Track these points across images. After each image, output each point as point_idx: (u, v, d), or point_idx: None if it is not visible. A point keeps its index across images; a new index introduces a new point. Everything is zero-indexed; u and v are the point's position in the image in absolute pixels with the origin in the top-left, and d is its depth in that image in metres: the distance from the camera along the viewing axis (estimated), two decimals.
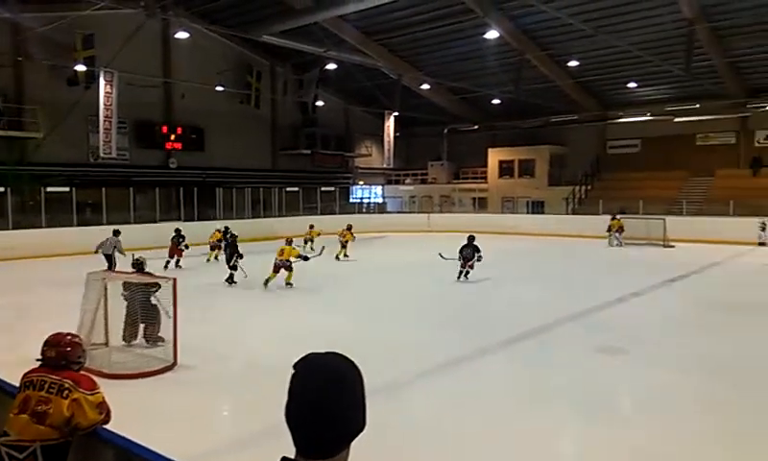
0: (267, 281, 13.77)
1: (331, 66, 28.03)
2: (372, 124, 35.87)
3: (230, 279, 14.33)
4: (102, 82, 21.87)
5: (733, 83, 26.84)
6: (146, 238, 20.49)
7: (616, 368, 7.92)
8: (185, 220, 24.56)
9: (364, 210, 36.49)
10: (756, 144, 28.82)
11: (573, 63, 26.98)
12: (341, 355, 1.30)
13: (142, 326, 8.41)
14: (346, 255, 19.72)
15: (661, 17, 20.60)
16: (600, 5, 21.56)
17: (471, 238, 15.78)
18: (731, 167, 28.92)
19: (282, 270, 13.74)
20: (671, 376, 7.36)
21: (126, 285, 8.36)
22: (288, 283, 13.95)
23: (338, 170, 36.61)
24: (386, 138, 32.96)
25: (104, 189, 23.23)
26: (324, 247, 16.22)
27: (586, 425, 6.01)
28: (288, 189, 30.16)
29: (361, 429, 1.27)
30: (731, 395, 6.73)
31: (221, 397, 7.00)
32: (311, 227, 22.01)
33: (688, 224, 23.86)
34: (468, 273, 15.16)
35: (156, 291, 8.14)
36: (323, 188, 32.05)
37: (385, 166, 35.31)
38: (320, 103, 33.52)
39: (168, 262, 17.08)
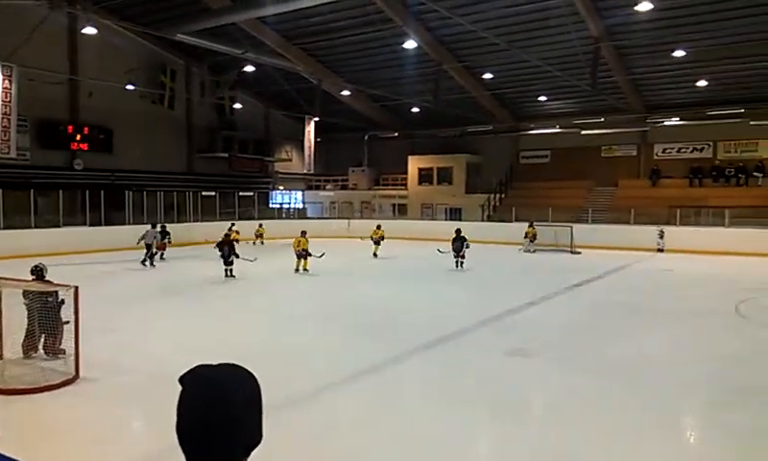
0: (297, 269, 17.29)
1: (250, 68, 27.53)
2: (293, 128, 35.50)
3: (230, 273, 16.10)
4: None
5: (635, 99, 28.64)
6: (48, 244, 19.34)
7: (526, 370, 8.22)
8: (91, 224, 23.37)
9: (284, 216, 36.07)
10: (655, 157, 30.87)
11: (488, 76, 27.92)
12: (233, 366, 1.24)
13: (43, 336, 7.89)
14: (375, 255, 21.95)
15: (569, 35, 21.62)
16: (513, 20, 22.40)
17: (459, 231, 18.55)
18: (632, 178, 30.85)
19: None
20: (577, 377, 7.72)
21: (25, 294, 7.84)
22: (305, 269, 17.23)
23: (257, 175, 35.97)
24: (306, 143, 32.70)
25: (1, 191, 21.69)
26: (324, 253, 18.23)
27: (497, 426, 6.20)
28: (204, 194, 29.30)
29: (256, 443, 1.20)
30: (631, 393, 7.14)
31: (123, 411, 6.60)
32: (260, 225, 25.06)
33: (594, 231, 25.19)
34: (462, 263, 17.92)
35: (55, 299, 7.70)
36: (241, 193, 31.39)
37: (305, 172, 35.02)
38: (237, 105, 32.87)
39: (154, 255, 19.31)
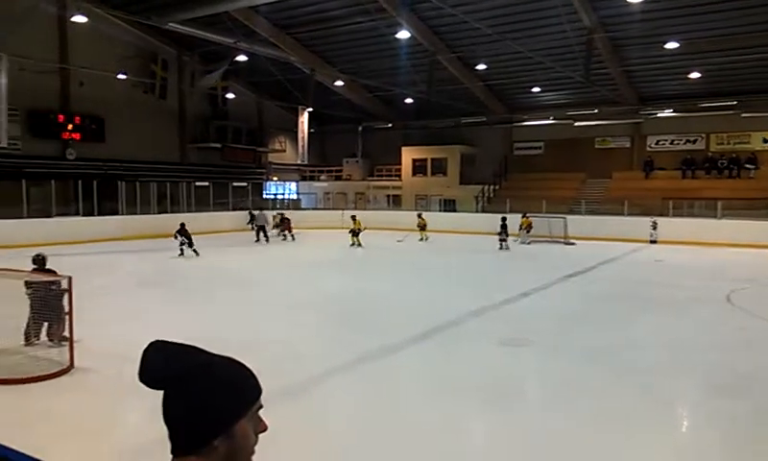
0: (352, 244, 22.07)
1: (242, 58, 27.36)
2: (286, 119, 35.39)
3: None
4: None
5: (628, 90, 28.68)
6: (40, 234, 19.24)
7: (520, 359, 8.27)
8: (84, 214, 23.24)
9: (278, 207, 35.96)
10: (648, 148, 30.96)
11: (481, 67, 27.88)
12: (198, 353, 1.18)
13: (46, 324, 8.01)
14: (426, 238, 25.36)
15: (563, 26, 21.60)
16: (506, 11, 22.35)
17: (504, 219, 22.59)
18: (625, 169, 30.93)
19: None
20: (570, 365, 7.78)
21: (27, 284, 7.90)
22: (360, 245, 22.08)
23: (250, 165, 35.84)
24: (300, 134, 32.56)
25: None
26: (407, 235, 24.39)
27: (492, 414, 6.25)
28: (198, 184, 29.16)
29: (210, 434, 1.12)
30: (624, 381, 7.20)
31: (117, 402, 6.53)
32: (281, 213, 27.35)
33: (587, 222, 25.27)
34: (507, 245, 22.13)
35: (58, 288, 7.78)
36: (234, 184, 31.27)
37: (299, 162, 34.91)
38: (230, 95, 32.67)
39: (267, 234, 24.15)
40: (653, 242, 23.83)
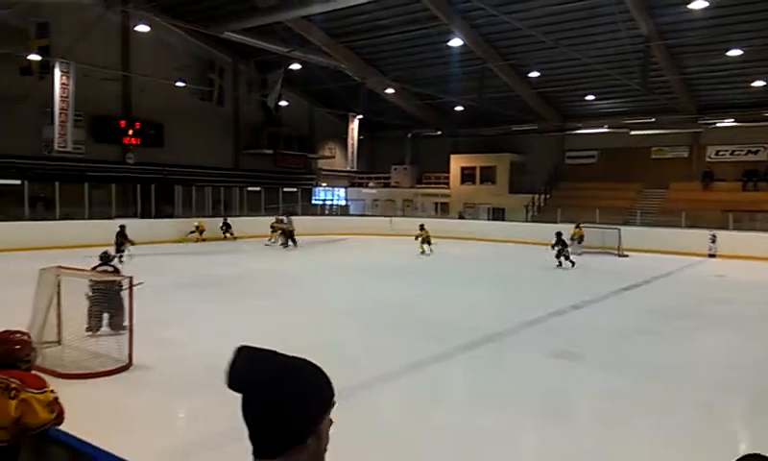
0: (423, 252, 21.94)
1: (295, 66, 27.87)
2: (336, 126, 35.79)
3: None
4: (57, 73, 21.16)
5: (686, 99, 27.79)
6: (99, 235, 19.97)
7: (570, 372, 8.09)
8: (142, 217, 24.07)
9: (327, 212, 36.39)
10: (708, 159, 29.87)
11: (534, 74, 27.51)
12: (288, 358, 1.24)
13: (107, 315, 8.69)
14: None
15: (619, 33, 21.13)
16: (560, 18, 22.02)
17: (559, 234, 19.56)
18: (683, 180, 29.92)
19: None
20: (623, 381, 7.57)
21: (90, 281, 8.61)
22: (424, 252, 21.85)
23: (301, 171, 36.39)
24: (350, 141, 32.93)
25: (57, 183, 22.55)
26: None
27: (539, 427, 6.14)
28: (250, 189, 29.81)
29: (303, 433, 1.18)
30: (677, 398, 6.97)
31: (178, 398, 6.82)
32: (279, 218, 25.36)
33: (642, 234, 24.51)
34: (560, 263, 19.13)
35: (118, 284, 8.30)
36: (285, 189, 31.81)
37: (348, 169, 35.27)
38: (283, 103, 33.29)
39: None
40: (711, 256, 22.96)
